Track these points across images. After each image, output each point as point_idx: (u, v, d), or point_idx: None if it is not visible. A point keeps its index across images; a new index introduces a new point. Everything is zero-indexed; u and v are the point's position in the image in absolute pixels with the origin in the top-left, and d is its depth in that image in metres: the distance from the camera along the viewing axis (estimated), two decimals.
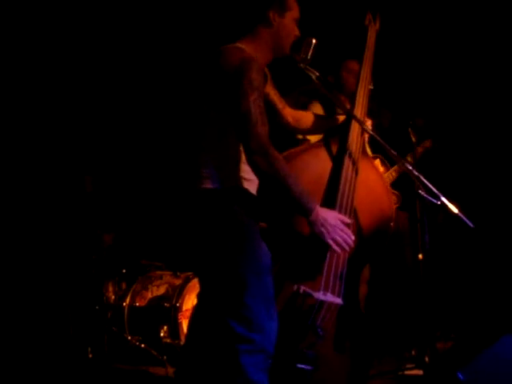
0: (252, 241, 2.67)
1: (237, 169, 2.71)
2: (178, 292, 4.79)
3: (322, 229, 2.66)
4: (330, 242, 2.68)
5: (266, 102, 2.78)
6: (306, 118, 3.20)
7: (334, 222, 2.68)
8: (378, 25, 3.38)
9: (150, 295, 4.96)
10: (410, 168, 2.86)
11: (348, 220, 2.80)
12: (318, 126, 3.21)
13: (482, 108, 5.33)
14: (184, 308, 4.75)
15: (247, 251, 2.64)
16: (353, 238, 2.73)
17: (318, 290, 2.90)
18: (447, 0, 5.18)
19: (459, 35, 5.27)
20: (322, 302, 2.87)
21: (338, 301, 2.91)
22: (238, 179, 2.71)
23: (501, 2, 5.08)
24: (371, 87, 3.29)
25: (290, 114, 3.13)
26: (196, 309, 3.01)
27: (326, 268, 2.92)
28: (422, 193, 2.80)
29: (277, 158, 2.58)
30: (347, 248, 2.73)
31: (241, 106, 2.57)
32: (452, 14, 5.21)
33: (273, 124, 2.85)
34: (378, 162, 4.30)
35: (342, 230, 2.70)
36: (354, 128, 3.08)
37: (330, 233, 2.67)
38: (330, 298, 2.89)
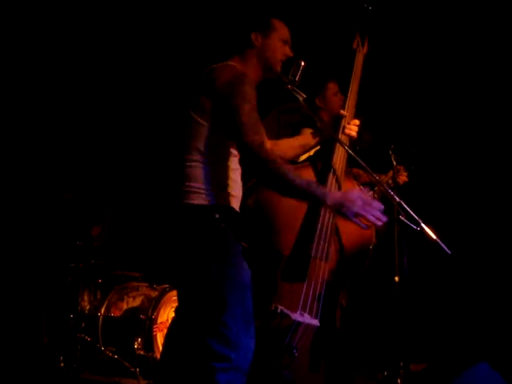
0: (234, 259, 2.67)
1: (223, 185, 2.72)
2: (154, 304, 4.77)
3: (343, 209, 2.54)
4: (357, 219, 2.54)
5: None
6: (277, 146, 3.17)
7: (351, 198, 2.54)
8: (365, 48, 3.42)
9: (125, 306, 4.94)
10: (392, 193, 2.89)
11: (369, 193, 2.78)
12: (292, 152, 3.22)
13: (462, 132, 5.40)
14: (159, 320, 4.73)
15: (229, 269, 2.64)
16: (376, 204, 2.55)
17: (296, 311, 2.90)
18: (430, 24, 5.25)
19: (442, 59, 5.34)
20: (299, 323, 2.88)
21: (315, 322, 2.92)
22: (224, 196, 2.72)
23: (480, 27, 5.17)
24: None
25: None
26: (173, 323, 2.99)
27: (304, 289, 2.93)
28: (403, 218, 2.83)
29: (275, 157, 2.57)
30: (382, 218, 2.55)
31: (235, 117, 2.59)
32: (435, 38, 5.28)
33: None
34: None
35: (363, 202, 2.53)
36: (338, 151, 3.12)
37: (352, 208, 2.52)
38: (307, 319, 2.90)
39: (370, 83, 3.56)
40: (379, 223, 2.53)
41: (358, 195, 2.54)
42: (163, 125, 5.19)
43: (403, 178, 4.34)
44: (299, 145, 3.20)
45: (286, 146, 3.17)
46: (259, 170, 2.57)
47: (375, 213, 2.51)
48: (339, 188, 3.08)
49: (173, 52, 5.59)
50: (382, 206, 2.54)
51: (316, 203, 2.71)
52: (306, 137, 3.23)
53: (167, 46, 5.59)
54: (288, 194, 2.63)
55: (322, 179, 3.08)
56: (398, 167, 4.34)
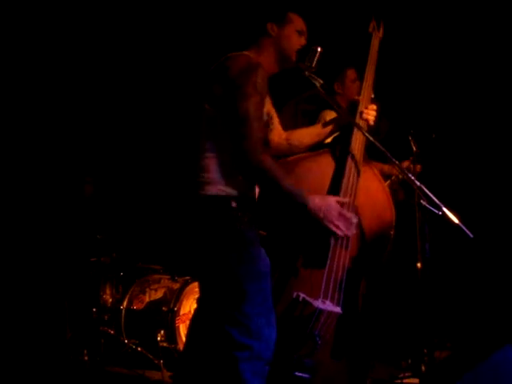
0: (252, 248, 2.66)
1: (238, 174, 2.69)
2: (176, 296, 4.79)
3: (321, 214, 2.68)
4: (332, 227, 2.72)
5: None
6: (293, 135, 3.18)
7: (332, 205, 2.71)
8: (381, 32, 3.38)
9: (147, 299, 4.96)
10: (413, 178, 2.85)
11: (346, 199, 2.87)
12: (309, 140, 3.19)
13: (481, 117, 5.35)
14: (181, 312, 4.75)
15: (247, 258, 2.63)
16: (354, 219, 2.77)
17: (318, 298, 2.88)
18: (447, 11, 5.21)
19: (460, 45, 5.29)
20: (321, 311, 2.85)
21: (337, 310, 2.89)
22: (240, 185, 2.71)
23: (496, 17, 5.12)
24: (373, 96, 3.29)
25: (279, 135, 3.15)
26: (195, 314, 2.99)
27: (325, 276, 2.91)
28: (424, 203, 2.80)
29: (268, 160, 2.60)
30: (348, 231, 2.76)
31: (241, 107, 2.59)
32: (452, 24, 5.23)
33: None
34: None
35: (340, 214, 2.73)
36: (356, 136, 3.08)
37: (331, 217, 2.70)
38: (329, 306, 2.87)
39: (388, 68, 3.53)
40: (349, 234, 2.78)
41: (335, 206, 2.72)
42: (179, 118, 5.21)
43: (416, 168, 4.32)
44: (316, 133, 3.18)
45: (301, 134, 3.16)
46: (252, 166, 2.59)
47: (347, 225, 2.74)
48: (358, 175, 3.05)
49: (187, 45, 5.58)
50: (356, 219, 2.78)
51: (297, 205, 2.72)
52: (323, 124, 3.22)
53: (182, 39, 5.58)
54: (275, 194, 2.70)
55: (340, 166, 3.05)
56: (413, 158, 4.32)
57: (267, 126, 3.03)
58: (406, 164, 4.30)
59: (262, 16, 2.91)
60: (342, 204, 2.82)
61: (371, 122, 3.18)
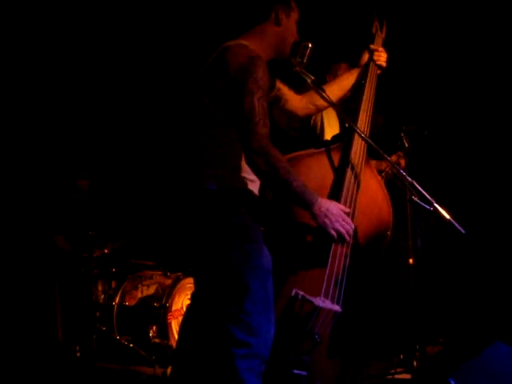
0: (256, 244, 2.63)
1: (241, 170, 2.68)
2: (168, 292, 4.79)
3: (326, 219, 2.64)
4: (333, 232, 2.67)
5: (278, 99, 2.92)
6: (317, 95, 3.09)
7: (335, 211, 2.67)
8: (384, 33, 3.36)
9: (139, 295, 4.97)
10: (404, 174, 2.85)
11: (348, 209, 2.80)
12: (335, 94, 3.12)
13: (475, 112, 5.36)
14: (174, 308, 4.76)
15: (251, 254, 2.60)
16: (353, 227, 2.73)
17: (317, 297, 2.86)
18: (442, 9, 5.21)
19: (454, 41, 5.30)
20: (320, 309, 2.81)
21: (337, 308, 2.86)
22: (243, 180, 2.68)
23: (492, 16, 5.13)
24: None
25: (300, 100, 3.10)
26: (189, 310, 2.94)
27: (326, 274, 2.87)
28: (415, 199, 2.80)
29: (276, 157, 2.55)
30: (347, 238, 2.72)
31: (245, 104, 2.54)
32: (447, 20, 5.24)
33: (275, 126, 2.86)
34: None
35: (343, 220, 2.69)
36: (358, 141, 3.04)
37: (333, 223, 2.66)
38: (328, 305, 2.83)
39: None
40: (347, 239, 2.73)
41: (341, 212, 2.69)
42: (178, 112, 5.18)
43: (401, 163, 4.32)
44: (338, 88, 3.16)
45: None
46: (261, 165, 2.54)
47: (349, 231, 2.70)
48: (358, 186, 2.99)
49: (183, 39, 5.55)
50: (353, 226, 2.74)
51: (302, 207, 2.68)
52: (340, 78, 3.23)
53: (179, 34, 5.55)
54: (281, 191, 2.64)
55: (339, 176, 2.98)
56: (399, 153, 4.31)
57: (279, 100, 3.02)
58: (393, 159, 4.30)
59: (270, 1, 2.83)
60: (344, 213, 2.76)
61: (384, 66, 3.20)
